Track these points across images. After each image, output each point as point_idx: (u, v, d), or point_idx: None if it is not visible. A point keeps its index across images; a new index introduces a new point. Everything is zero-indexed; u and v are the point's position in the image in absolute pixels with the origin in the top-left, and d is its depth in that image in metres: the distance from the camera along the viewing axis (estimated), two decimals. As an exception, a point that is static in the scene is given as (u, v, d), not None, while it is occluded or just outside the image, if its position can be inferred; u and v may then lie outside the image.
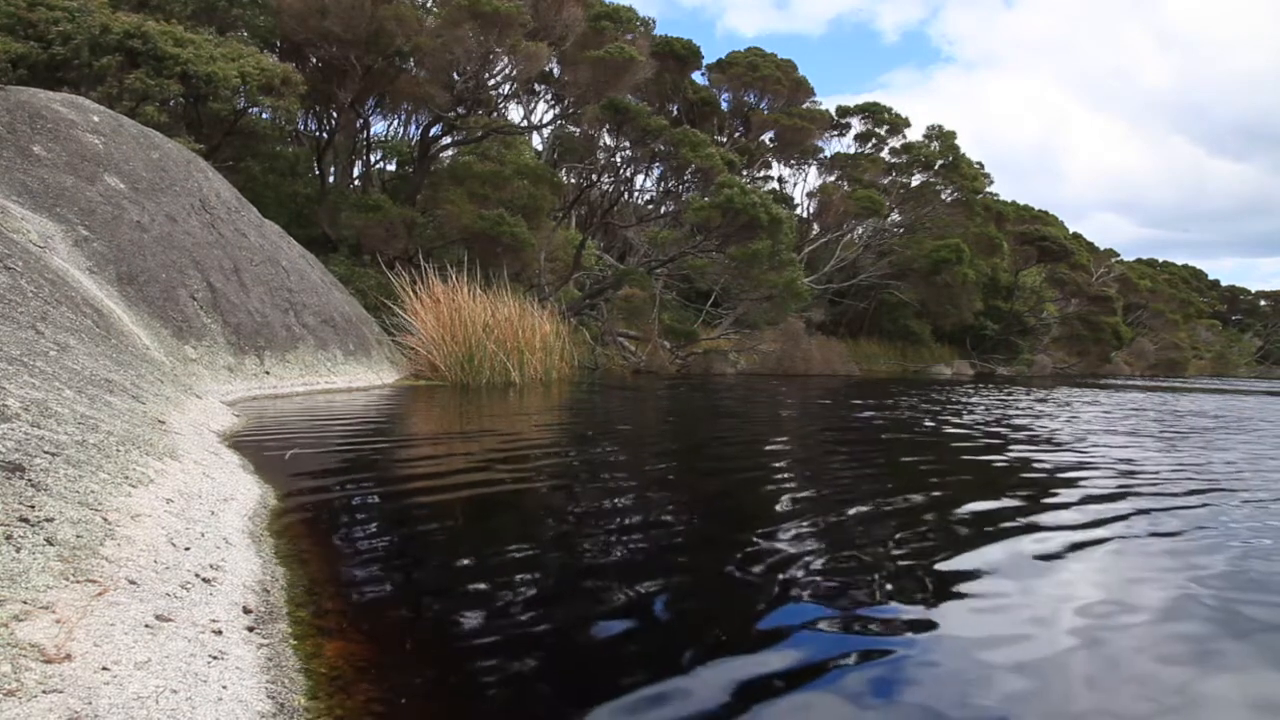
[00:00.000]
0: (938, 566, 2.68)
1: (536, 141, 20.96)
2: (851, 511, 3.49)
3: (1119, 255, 36.21)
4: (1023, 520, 3.42)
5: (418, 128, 17.17)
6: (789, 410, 8.96)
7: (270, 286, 8.19)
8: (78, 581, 1.61)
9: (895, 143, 25.57)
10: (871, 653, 1.96)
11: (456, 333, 9.98)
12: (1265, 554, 2.97)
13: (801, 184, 31.51)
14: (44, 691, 1.23)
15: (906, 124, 25.35)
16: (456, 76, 14.37)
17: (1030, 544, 3.02)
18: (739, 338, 18.14)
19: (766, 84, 23.48)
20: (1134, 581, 2.61)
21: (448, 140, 16.37)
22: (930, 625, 2.13)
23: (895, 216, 25.04)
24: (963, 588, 2.47)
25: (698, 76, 23.22)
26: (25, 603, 1.45)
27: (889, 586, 2.46)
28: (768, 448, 5.74)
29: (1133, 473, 4.84)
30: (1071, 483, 4.42)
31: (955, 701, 1.71)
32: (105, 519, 2.00)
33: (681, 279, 18.83)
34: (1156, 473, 4.86)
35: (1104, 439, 6.79)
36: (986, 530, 3.23)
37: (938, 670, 1.87)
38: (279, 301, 8.18)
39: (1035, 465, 5.11)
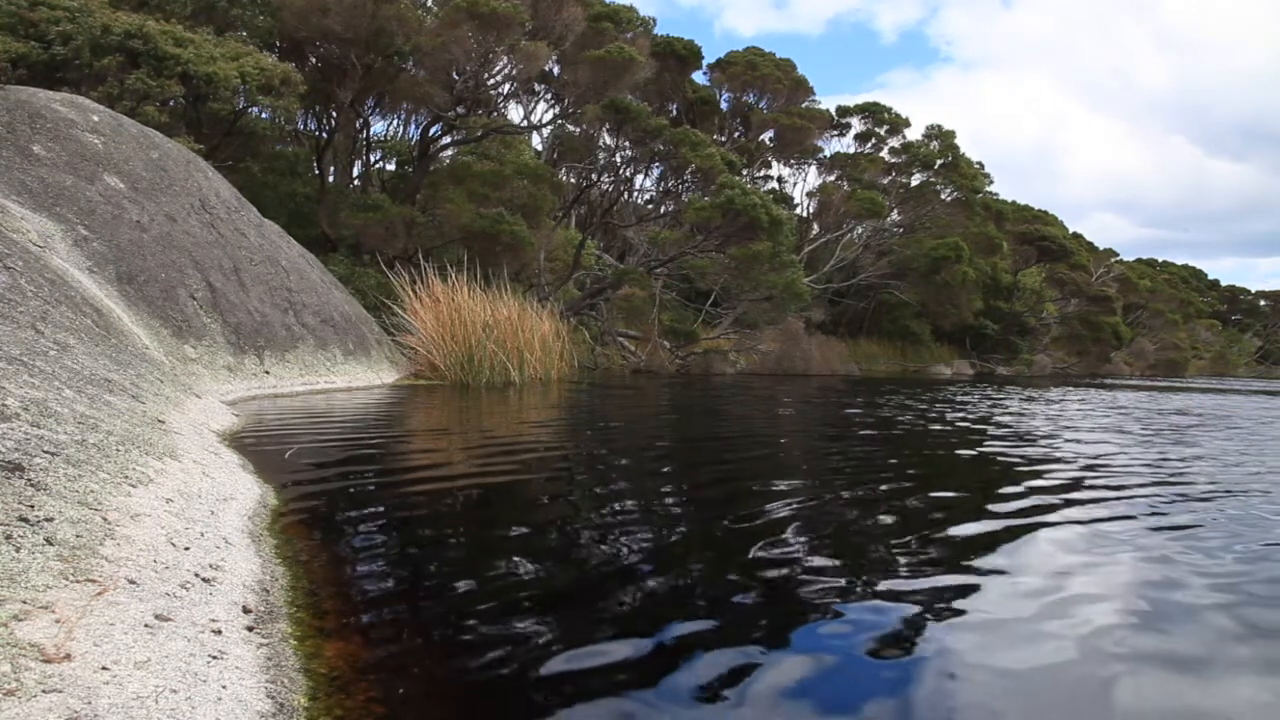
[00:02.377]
0: (904, 552, 2.74)
1: (536, 141, 20.98)
2: (828, 501, 3.59)
3: (1119, 255, 36.23)
4: (983, 510, 3.58)
5: (417, 127, 17.17)
6: (786, 409, 8.97)
7: (270, 286, 8.19)
8: (77, 581, 1.61)
9: (895, 142, 25.61)
10: (838, 629, 2.02)
11: (456, 332, 9.98)
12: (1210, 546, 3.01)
13: (801, 184, 31.56)
14: (43, 691, 1.23)
15: (906, 124, 25.38)
16: (456, 76, 14.37)
17: (985, 531, 3.16)
18: (739, 338, 18.14)
19: (766, 83, 23.49)
20: (1084, 568, 2.70)
21: (447, 140, 16.36)
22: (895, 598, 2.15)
23: (895, 216, 25.05)
24: (926, 570, 2.49)
25: (698, 76, 23.25)
26: (25, 602, 1.45)
27: (861, 567, 2.48)
28: (763, 445, 5.75)
29: (1094, 466, 5.00)
30: (1029, 474, 4.64)
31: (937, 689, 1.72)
32: (105, 519, 2.00)
33: (681, 279, 18.83)
34: (1125, 467, 5.02)
35: (1080, 435, 6.90)
36: (954, 518, 3.37)
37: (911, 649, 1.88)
38: (278, 301, 8.18)
39: (1001, 459, 5.27)
